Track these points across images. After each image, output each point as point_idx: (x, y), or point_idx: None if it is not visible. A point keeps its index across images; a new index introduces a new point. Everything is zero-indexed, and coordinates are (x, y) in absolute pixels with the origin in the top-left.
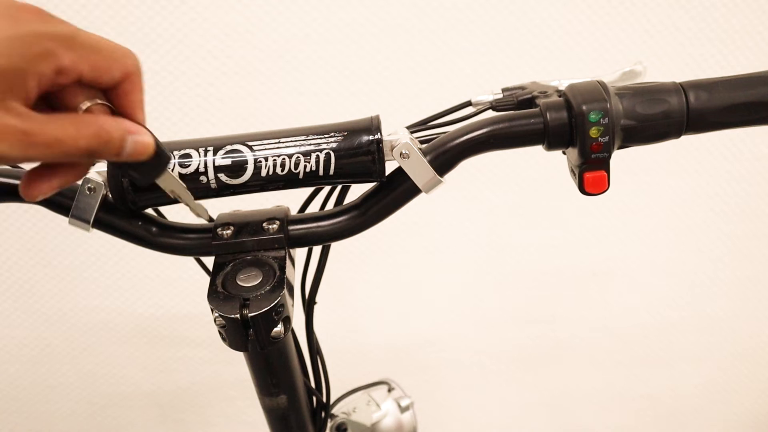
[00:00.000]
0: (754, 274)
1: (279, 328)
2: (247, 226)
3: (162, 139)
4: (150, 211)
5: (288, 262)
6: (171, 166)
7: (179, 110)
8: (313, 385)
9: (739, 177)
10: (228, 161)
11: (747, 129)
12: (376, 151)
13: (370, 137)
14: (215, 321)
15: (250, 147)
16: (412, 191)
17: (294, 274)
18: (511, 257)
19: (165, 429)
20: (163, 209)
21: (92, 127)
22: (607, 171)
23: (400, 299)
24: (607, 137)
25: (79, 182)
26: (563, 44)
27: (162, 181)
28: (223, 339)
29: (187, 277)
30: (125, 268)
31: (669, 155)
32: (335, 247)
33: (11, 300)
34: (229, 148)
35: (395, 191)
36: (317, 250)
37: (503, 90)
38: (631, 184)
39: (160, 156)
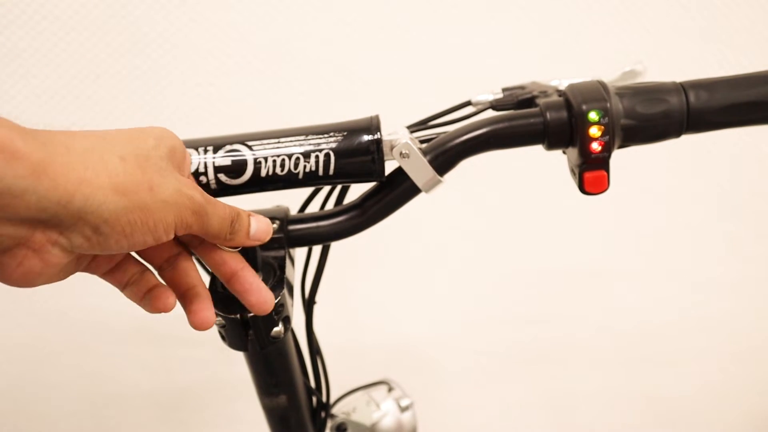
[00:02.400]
0: (754, 274)
1: (279, 328)
2: None
3: None
4: None
5: (288, 261)
6: None
7: (179, 110)
8: (312, 385)
9: (739, 177)
10: (228, 161)
11: (747, 128)
12: (376, 150)
13: (370, 137)
14: (215, 321)
15: (249, 147)
16: (412, 191)
17: (294, 274)
18: (511, 257)
19: (165, 429)
20: None
21: (223, 202)
22: (607, 170)
23: (400, 299)
24: (607, 137)
25: None
26: (563, 44)
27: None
28: (223, 339)
29: None
30: None
31: (669, 155)
32: (335, 246)
33: (11, 300)
34: (228, 147)
35: (395, 191)
36: (317, 249)
37: (503, 89)
38: (632, 184)
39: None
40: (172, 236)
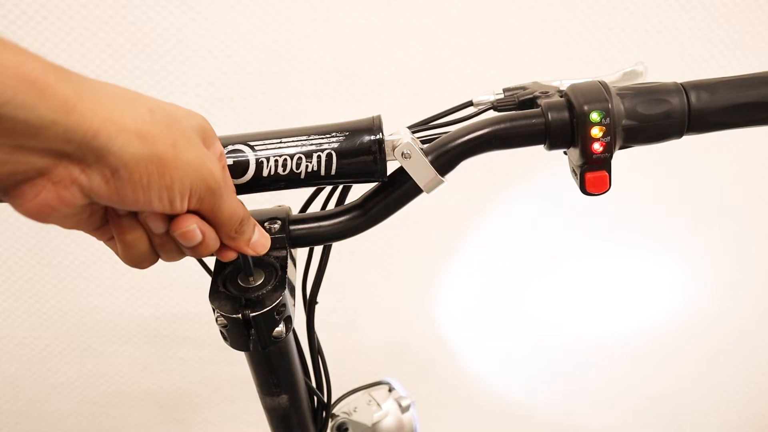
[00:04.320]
0: (754, 274)
1: (280, 328)
2: None
3: None
4: None
5: (289, 261)
6: None
7: None
8: (314, 384)
9: (738, 177)
10: (230, 161)
11: (747, 129)
12: (378, 151)
13: (372, 137)
14: (217, 321)
15: (251, 147)
16: (414, 191)
17: (295, 274)
18: (510, 257)
19: (165, 429)
20: None
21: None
22: (609, 171)
23: (400, 299)
24: (609, 137)
25: None
26: (563, 44)
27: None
28: (225, 339)
29: (187, 277)
30: (125, 268)
31: (669, 156)
32: (336, 246)
33: (11, 300)
34: (230, 147)
35: (397, 191)
36: (318, 249)
37: (504, 90)
38: (631, 184)
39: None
40: (185, 206)
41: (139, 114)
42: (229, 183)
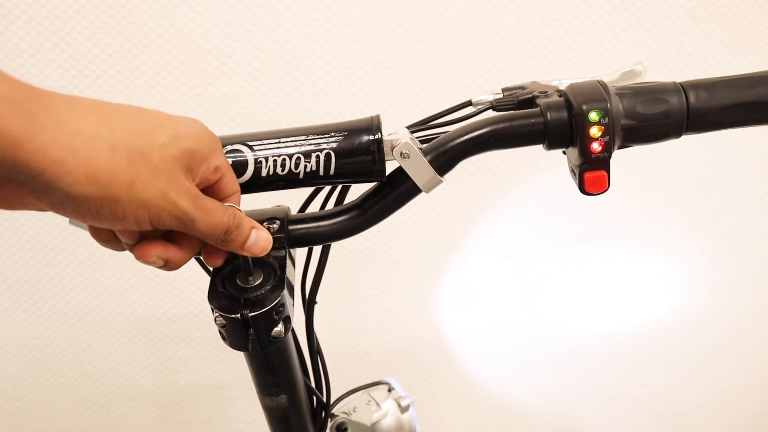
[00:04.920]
0: (754, 274)
1: (279, 328)
2: None
3: None
4: None
5: (288, 261)
6: None
7: (179, 110)
8: (313, 384)
9: (738, 177)
10: (228, 161)
11: (747, 129)
12: (377, 150)
13: (371, 137)
14: (215, 321)
15: (250, 147)
16: (413, 191)
17: (294, 274)
18: (510, 257)
19: (165, 429)
20: None
21: (230, 211)
22: (608, 171)
23: (400, 299)
24: (608, 137)
25: None
26: (563, 44)
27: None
28: (224, 339)
29: (187, 277)
30: (125, 268)
31: (669, 155)
32: (335, 246)
33: (11, 300)
34: (229, 147)
35: (395, 191)
36: (317, 249)
37: (503, 90)
38: (630, 184)
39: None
40: (148, 228)
41: (96, 153)
42: (208, 206)
